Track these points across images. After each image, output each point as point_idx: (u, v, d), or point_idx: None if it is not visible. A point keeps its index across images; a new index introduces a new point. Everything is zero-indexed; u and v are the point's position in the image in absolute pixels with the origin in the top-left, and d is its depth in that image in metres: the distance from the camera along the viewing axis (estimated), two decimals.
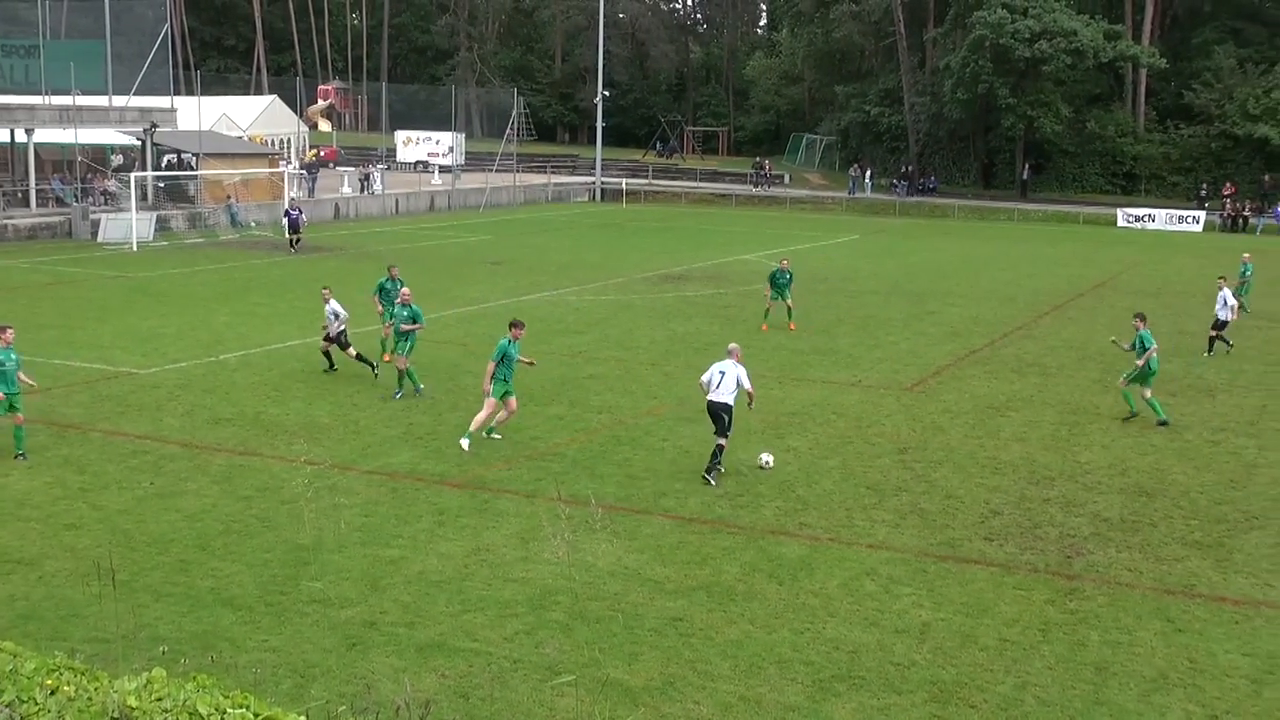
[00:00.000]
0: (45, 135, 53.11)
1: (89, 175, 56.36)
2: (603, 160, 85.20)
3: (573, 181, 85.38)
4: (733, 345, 19.49)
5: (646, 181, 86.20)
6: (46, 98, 52.89)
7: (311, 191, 65.06)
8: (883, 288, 41.12)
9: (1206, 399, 25.25)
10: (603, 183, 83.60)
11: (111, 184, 56.07)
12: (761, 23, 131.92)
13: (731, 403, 18.61)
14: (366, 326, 28.13)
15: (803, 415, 22.74)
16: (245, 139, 73.43)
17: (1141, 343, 22.87)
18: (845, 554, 15.52)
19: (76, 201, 52.36)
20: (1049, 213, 73.38)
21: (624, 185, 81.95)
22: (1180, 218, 69.88)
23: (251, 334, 29.62)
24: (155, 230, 50.97)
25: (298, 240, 47.57)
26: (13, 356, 18.80)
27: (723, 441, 18.57)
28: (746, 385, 18.72)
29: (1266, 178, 76.21)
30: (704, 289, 39.83)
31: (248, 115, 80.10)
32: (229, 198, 57.51)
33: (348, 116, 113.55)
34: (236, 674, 10.94)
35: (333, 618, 13.08)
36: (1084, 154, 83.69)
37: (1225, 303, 29.75)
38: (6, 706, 6.35)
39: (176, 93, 61.63)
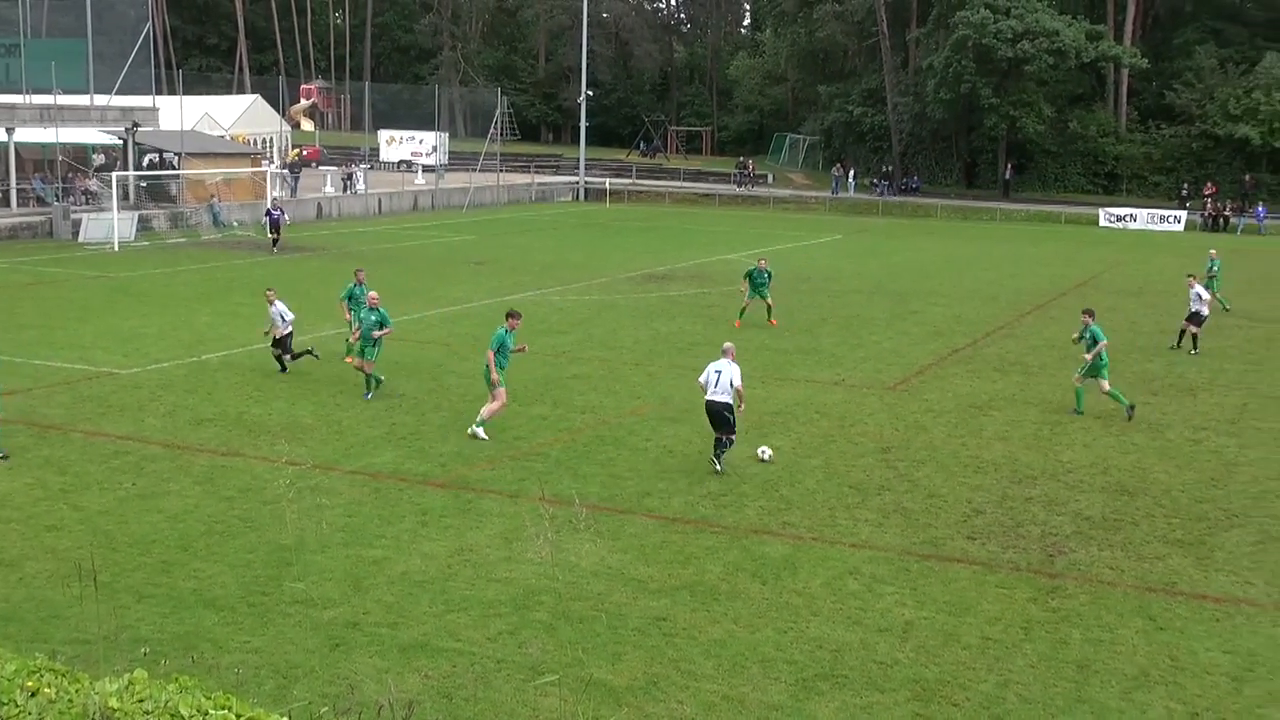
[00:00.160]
0: (26, 134, 52.87)
1: (70, 175, 56.11)
2: (586, 160, 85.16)
3: (556, 181, 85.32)
4: (727, 345, 19.72)
5: (630, 181, 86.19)
6: (27, 97, 52.63)
7: (294, 191, 64.89)
8: (866, 287, 41.20)
9: (1188, 397, 25.37)
10: (586, 182, 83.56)
11: (93, 183, 55.86)
12: (745, 22, 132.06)
13: (730, 400, 18.87)
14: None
15: (786, 414, 22.77)
16: (227, 138, 73.21)
17: (1092, 337, 23.27)
18: (828, 553, 15.55)
19: (57, 201, 52.12)
20: (1031, 212, 73.60)
21: (608, 185, 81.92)
22: (1162, 217, 70.18)
23: (234, 334, 29.53)
24: (137, 230, 50.76)
25: (277, 240, 47.52)
26: None
27: (730, 436, 19.00)
28: (738, 383, 18.91)
29: (1247, 177, 76.60)
30: (687, 289, 39.86)
31: (230, 114, 79.84)
32: (213, 197, 57.32)
33: (330, 116, 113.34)
34: (219, 675, 10.93)
35: (315, 618, 13.05)
36: (1066, 154, 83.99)
37: (1200, 298, 29.97)
38: None
39: (158, 92, 61.38)
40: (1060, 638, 13.15)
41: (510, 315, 21.39)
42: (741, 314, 32.44)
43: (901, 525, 16.75)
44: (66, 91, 52.61)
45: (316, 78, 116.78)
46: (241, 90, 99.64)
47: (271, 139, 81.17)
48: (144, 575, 14.17)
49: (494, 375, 20.45)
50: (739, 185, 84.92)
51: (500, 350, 20.55)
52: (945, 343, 30.98)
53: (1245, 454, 21.03)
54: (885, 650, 12.67)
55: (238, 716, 6.33)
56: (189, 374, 25.02)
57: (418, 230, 58.19)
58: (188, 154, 58.95)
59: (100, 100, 54.62)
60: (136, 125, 55.72)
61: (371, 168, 75.44)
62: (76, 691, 6.50)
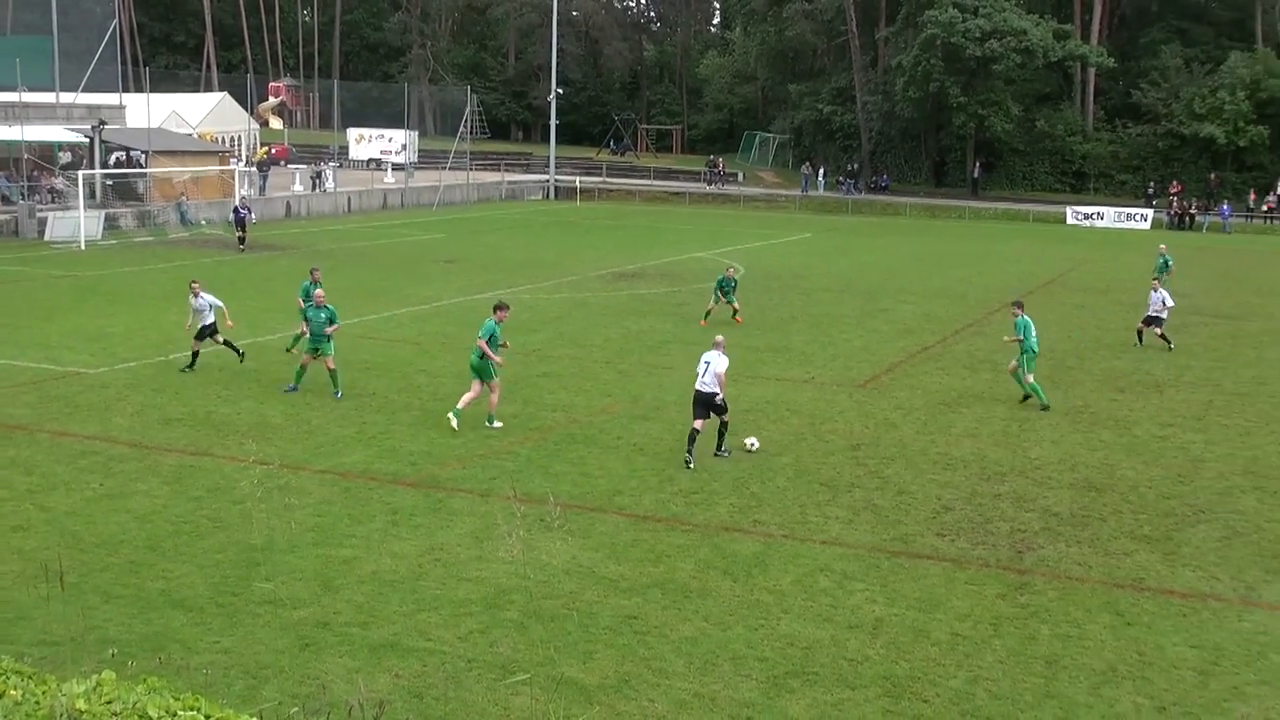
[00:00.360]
0: None
1: (36, 173, 55.62)
2: (556, 158, 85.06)
3: (526, 179, 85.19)
4: (719, 337, 20.17)
5: (600, 179, 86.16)
6: None
7: (263, 189, 64.56)
8: (835, 285, 41.32)
9: (1154, 394, 25.56)
10: (556, 181, 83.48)
11: (59, 181, 55.42)
12: (714, 21, 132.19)
13: (717, 389, 19.32)
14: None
15: (756, 413, 22.81)
16: (195, 136, 72.78)
17: (1022, 329, 23.80)
18: (799, 550, 15.60)
19: (23, 199, 51.65)
20: (999, 210, 74.02)
21: (578, 183, 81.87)
22: (1128, 215, 70.73)
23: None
24: (104, 228, 50.39)
25: (244, 238, 47.34)
26: None
27: (724, 418, 19.60)
28: (719, 372, 19.35)
29: (1212, 176, 77.29)
30: (658, 287, 39.88)
31: (198, 112, 79.40)
32: (181, 195, 56.97)
33: (299, 114, 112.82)
34: (188, 676, 10.86)
35: (285, 618, 12.99)
36: (1034, 152, 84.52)
37: (1162, 303, 30.21)
38: None
39: (125, 89, 60.98)
40: (1029, 633, 13.23)
41: (498, 307, 21.59)
42: (706, 316, 32.51)
43: (872, 522, 16.82)
44: (32, 89, 52.17)
45: (285, 75, 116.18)
46: (209, 88, 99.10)
47: (240, 137, 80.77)
48: (112, 576, 14.08)
49: (497, 359, 20.96)
50: (709, 184, 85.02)
51: (490, 341, 20.82)
52: (915, 340, 31.11)
53: (1211, 450, 21.20)
54: (856, 647, 12.72)
55: (207, 717, 6.29)
56: (157, 373, 24.85)
57: (387, 229, 58.00)
58: (155, 152, 58.56)
59: (66, 98, 54.20)
60: (103, 123, 55.30)
61: (341, 166, 75.13)
62: (44, 693, 6.45)
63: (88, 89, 55.85)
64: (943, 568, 15.13)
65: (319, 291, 24.22)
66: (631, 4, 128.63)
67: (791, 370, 27.02)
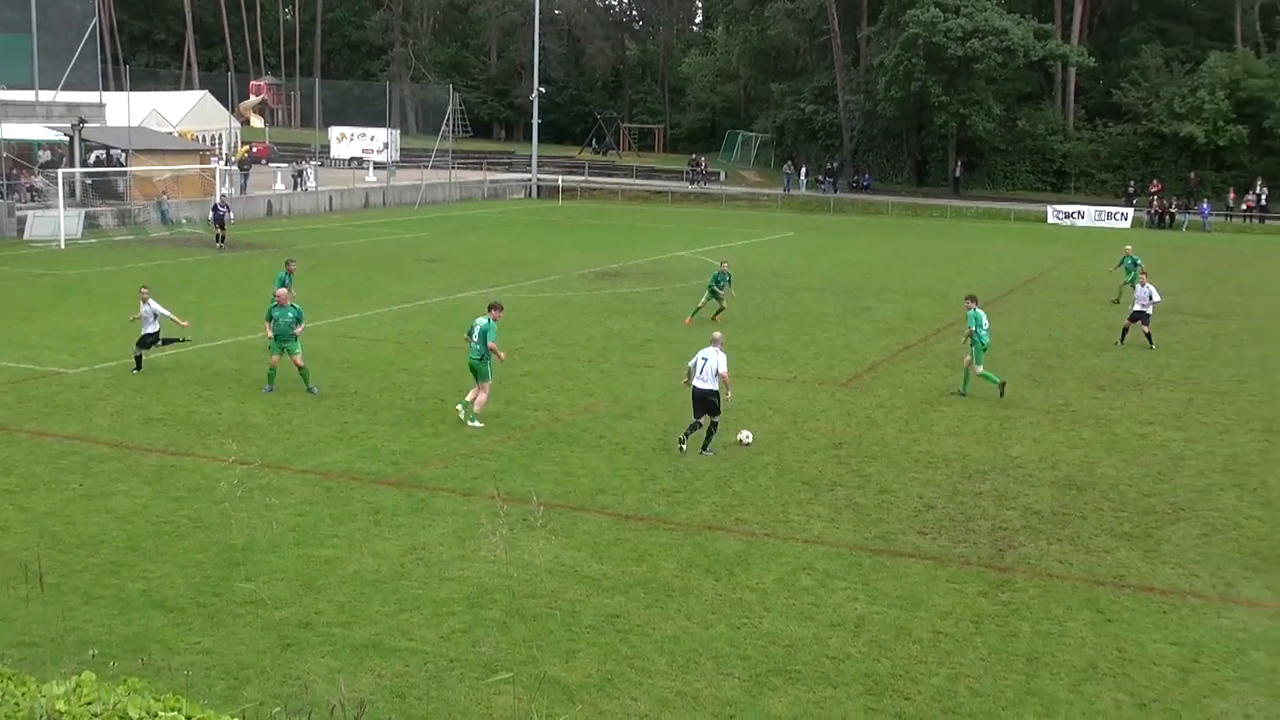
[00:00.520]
0: None
1: (15, 171, 55.31)
2: (539, 157, 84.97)
3: (509, 178, 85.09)
4: (716, 334, 20.49)
5: (583, 178, 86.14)
6: None
7: (244, 188, 64.35)
8: (818, 284, 41.39)
9: (1135, 392, 25.67)
10: (539, 180, 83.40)
11: (38, 180, 55.10)
12: (697, 20, 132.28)
13: (715, 387, 19.54)
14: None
15: (739, 411, 22.79)
16: (176, 135, 72.47)
17: (976, 321, 24.29)
18: (781, 549, 15.62)
19: (2, 198, 51.35)
20: (981, 209, 74.23)
21: (560, 182, 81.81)
22: (1109, 214, 71.00)
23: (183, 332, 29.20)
24: (84, 227, 50.17)
25: (223, 237, 47.28)
26: None
27: (715, 419, 19.70)
28: (723, 371, 19.56)
29: (1192, 175, 77.66)
30: (640, 286, 39.88)
31: (178, 111, 79.05)
32: (163, 194, 56.74)
33: (280, 112, 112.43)
34: (168, 677, 10.83)
35: (266, 618, 12.96)
36: (1015, 151, 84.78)
37: (1149, 297, 30.34)
38: None
39: (105, 88, 60.72)
40: (1010, 631, 13.27)
41: (494, 306, 21.80)
42: (695, 312, 32.52)
43: (854, 521, 16.85)
44: (11, 87, 51.97)
45: (266, 74, 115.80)
46: (190, 86, 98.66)
47: (221, 136, 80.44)
48: (92, 576, 14.02)
49: (501, 355, 21.47)
50: (691, 183, 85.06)
51: (484, 339, 21.12)
52: (897, 339, 31.18)
53: (1191, 448, 21.31)
54: (838, 645, 12.75)
55: (188, 718, 6.27)
56: (138, 373, 24.73)
57: (369, 227, 57.87)
58: (135, 150, 58.30)
59: (46, 96, 53.94)
60: (83, 121, 55.06)
61: (322, 165, 74.91)
62: (23, 695, 6.42)
63: (67, 87, 55.59)
64: (924, 566, 15.17)
65: (281, 290, 24.25)
66: (614, 3, 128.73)
67: (774, 369, 27.05)
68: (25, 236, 48.57)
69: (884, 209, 75.44)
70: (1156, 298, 30.59)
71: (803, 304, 36.72)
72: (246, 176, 65.77)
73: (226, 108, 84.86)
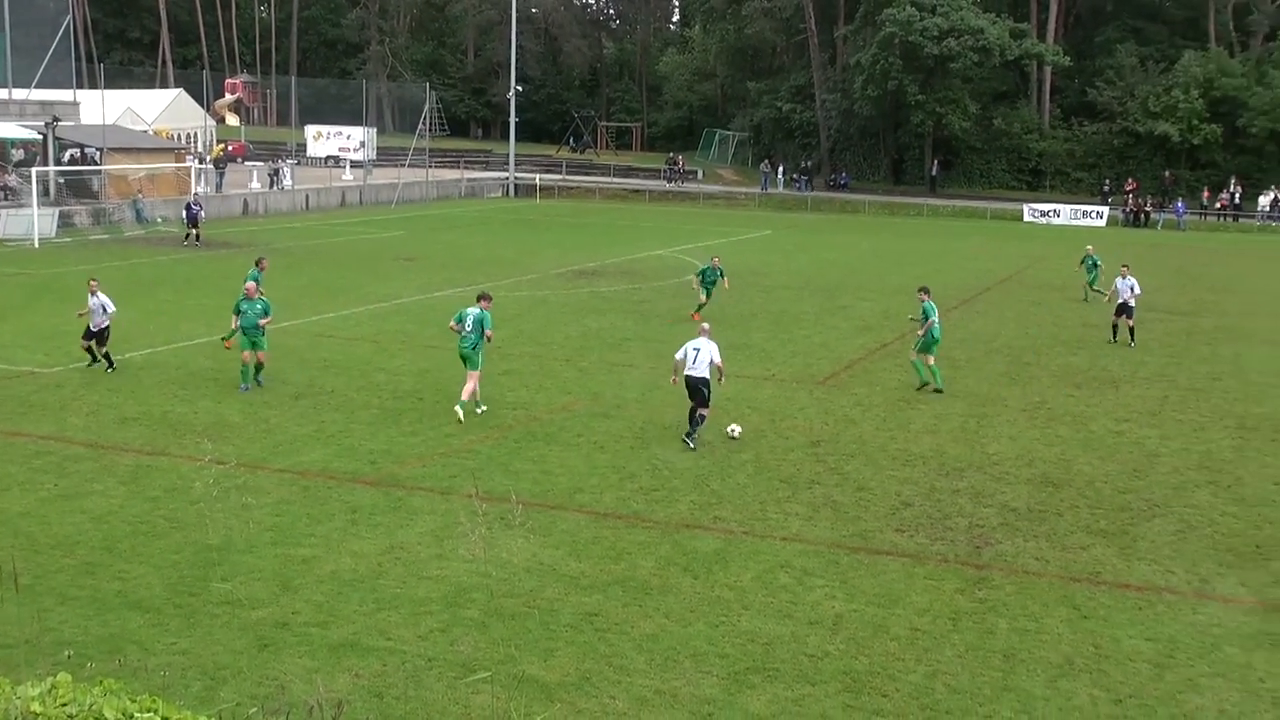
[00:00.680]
0: None
1: None
2: (516, 156, 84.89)
3: (486, 177, 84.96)
4: (705, 324, 21.13)
5: (560, 177, 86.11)
6: None
7: (219, 187, 64.07)
8: (795, 283, 41.46)
9: (1110, 390, 25.79)
10: (516, 178, 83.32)
11: (11, 179, 54.74)
12: (674, 19, 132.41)
13: (708, 375, 19.98)
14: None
15: (717, 409, 22.75)
16: (151, 133, 72.09)
17: (925, 313, 24.72)
18: (759, 547, 15.64)
19: None
20: (957, 208, 74.53)
21: (537, 181, 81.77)
22: (1084, 213, 71.38)
23: (158, 331, 29.09)
24: (58, 226, 49.87)
25: (197, 235, 47.17)
26: None
27: (704, 411, 20.02)
28: (718, 360, 20.10)
29: (1167, 173, 78.14)
30: (618, 284, 39.87)
31: (153, 109, 78.68)
32: (139, 192, 56.44)
33: (256, 111, 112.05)
34: (145, 677, 10.78)
35: (243, 619, 12.91)
36: (991, 150, 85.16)
37: (1130, 289, 30.49)
38: None
39: (79, 86, 60.45)
40: (987, 628, 13.32)
41: (484, 297, 22.13)
42: (700, 308, 32.42)
43: (831, 518, 16.88)
44: None
45: (242, 72, 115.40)
46: (165, 84, 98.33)
47: (196, 134, 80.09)
48: (67, 577, 13.93)
49: (489, 333, 21.71)
50: (669, 181, 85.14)
51: (478, 328, 21.49)
52: (874, 337, 31.26)
53: (1166, 445, 21.43)
54: (816, 643, 12.77)
55: (164, 719, 6.24)
56: (113, 372, 24.60)
57: (346, 226, 57.69)
58: (110, 149, 57.98)
59: (19, 94, 53.60)
60: (57, 120, 54.71)
61: (298, 163, 74.70)
62: None
63: (41, 85, 55.27)
64: (902, 563, 15.22)
65: (250, 284, 24.17)
66: (591, 1, 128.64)
67: (752, 367, 27.07)
68: None
69: (861, 207, 75.64)
70: (1138, 290, 30.76)
71: (780, 302, 36.77)
72: (222, 175, 65.49)
73: (202, 106, 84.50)
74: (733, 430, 20.66)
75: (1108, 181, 78.18)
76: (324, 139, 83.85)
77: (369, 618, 13.03)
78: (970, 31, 74.75)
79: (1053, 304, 38.15)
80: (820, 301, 37.20)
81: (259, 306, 23.34)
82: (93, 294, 24.50)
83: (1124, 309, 30.68)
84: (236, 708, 10.52)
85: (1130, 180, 76.98)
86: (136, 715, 6.19)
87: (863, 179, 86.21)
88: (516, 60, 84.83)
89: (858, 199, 77.85)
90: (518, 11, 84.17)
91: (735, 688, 11.73)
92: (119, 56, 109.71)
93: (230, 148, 78.64)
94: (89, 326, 24.55)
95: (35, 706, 6.16)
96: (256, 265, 28.22)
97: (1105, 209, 72.16)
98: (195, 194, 54.07)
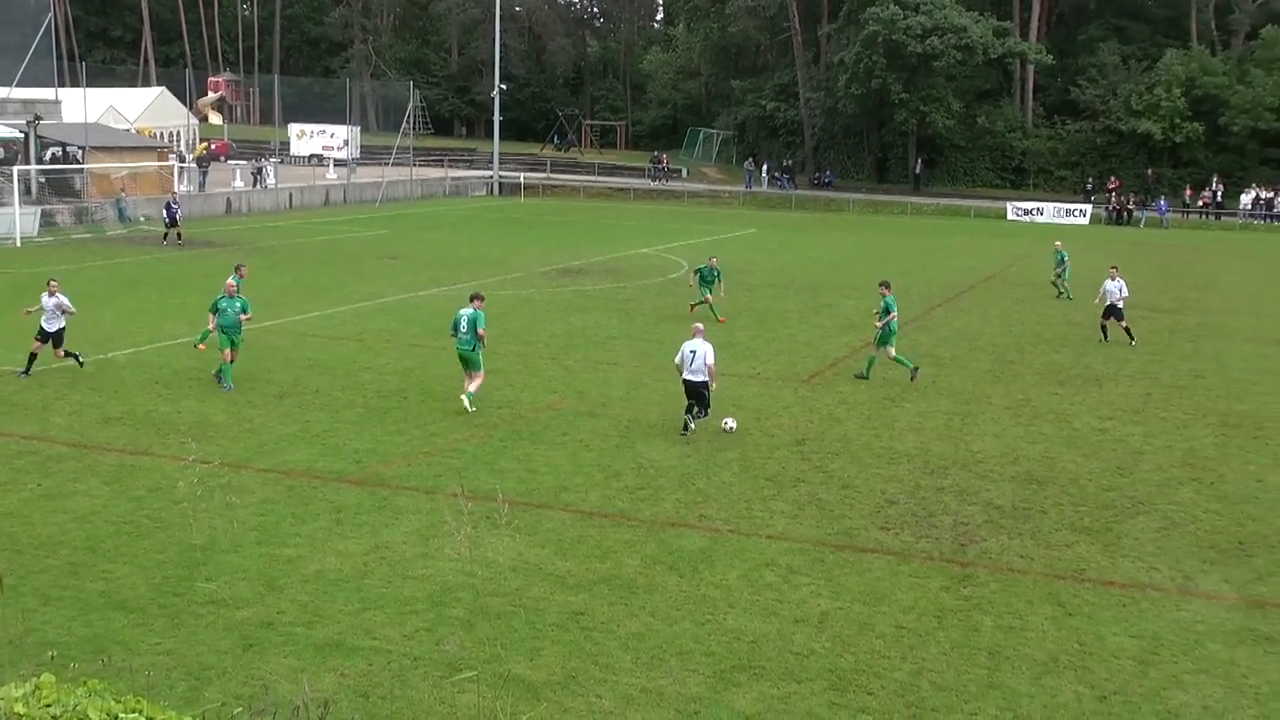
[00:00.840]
0: None
1: None
2: (500, 154, 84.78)
3: (470, 175, 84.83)
4: (698, 325, 21.60)
5: (544, 176, 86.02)
6: None
7: (203, 185, 63.84)
8: (779, 281, 41.49)
9: (1094, 388, 25.87)
10: (500, 177, 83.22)
11: None
12: (658, 17, 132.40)
13: (707, 378, 20.25)
14: (253, 325, 27.65)
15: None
16: (133, 132, 71.78)
17: (886, 307, 25.38)
18: (745, 545, 15.65)
19: None
20: (941, 206, 74.68)
21: (522, 179, 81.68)
22: (1068, 211, 71.59)
23: (141, 331, 29.00)
24: (40, 225, 49.63)
25: (178, 234, 47.05)
26: None
27: (706, 412, 20.64)
28: (710, 362, 20.30)
29: (1150, 172, 78.44)
30: (602, 283, 39.86)
31: (135, 107, 78.24)
32: (122, 191, 56.21)
33: (239, 109, 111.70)
34: (129, 678, 10.73)
35: (228, 618, 12.87)
36: (974, 148, 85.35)
37: (1120, 291, 30.54)
38: None
39: (61, 84, 60.15)
40: (972, 625, 13.35)
41: (476, 297, 22.40)
42: (713, 310, 32.39)
43: (817, 516, 16.90)
44: None
45: (224, 70, 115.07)
46: (147, 83, 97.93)
47: (179, 133, 79.75)
48: (51, 577, 13.87)
49: (482, 331, 21.90)
50: (653, 180, 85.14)
51: (473, 327, 21.75)
52: (858, 335, 31.28)
53: (1150, 442, 21.50)
54: (802, 640, 12.78)
55: (149, 719, 6.22)
56: (96, 372, 24.51)
57: (329, 225, 57.56)
58: (92, 148, 57.72)
59: (0, 92, 53.27)
60: (38, 118, 54.46)
61: (282, 162, 74.43)
62: None
63: (22, 84, 54.99)
64: (887, 561, 15.24)
65: (230, 281, 24.14)
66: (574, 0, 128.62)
67: (736, 365, 27.08)
68: None
69: (845, 206, 75.74)
70: (1125, 292, 30.80)
71: (765, 300, 36.81)
72: (205, 174, 65.24)
73: (184, 104, 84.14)
74: (727, 424, 20.78)
75: (1090, 180, 78.41)
76: (307, 137, 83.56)
77: (354, 617, 13.01)
78: (953, 30, 74.90)
79: (1036, 302, 38.25)
80: (805, 300, 37.24)
81: (238, 305, 23.32)
82: (51, 294, 24.03)
83: (1112, 311, 30.68)
84: (221, 708, 10.49)
85: (1113, 178, 77.26)
86: (121, 716, 6.17)
87: (847, 177, 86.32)
88: (500, 58, 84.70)
89: (842, 197, 77.95)
90: (502, 10, 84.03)
91: (721, 686, 11.74)
92: (101, 55, 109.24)
93: (213, 146, 78.29)
94: (42, 328, 23.93)
95: (19, 708, 6.13)
96: (236, 273, 27.89)
97: (1088, 207, 72.38)
98: (172, 193, 53.86)
